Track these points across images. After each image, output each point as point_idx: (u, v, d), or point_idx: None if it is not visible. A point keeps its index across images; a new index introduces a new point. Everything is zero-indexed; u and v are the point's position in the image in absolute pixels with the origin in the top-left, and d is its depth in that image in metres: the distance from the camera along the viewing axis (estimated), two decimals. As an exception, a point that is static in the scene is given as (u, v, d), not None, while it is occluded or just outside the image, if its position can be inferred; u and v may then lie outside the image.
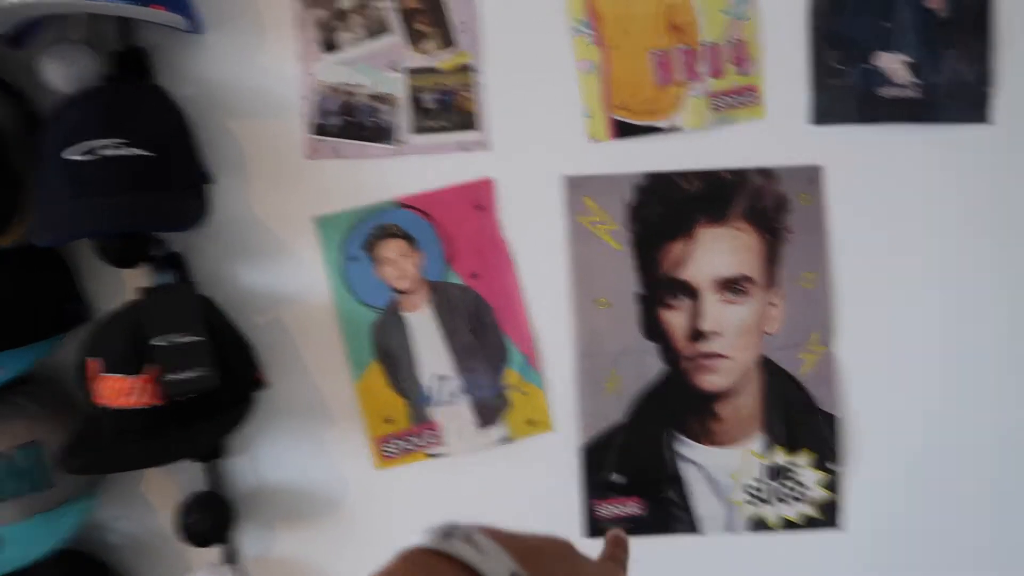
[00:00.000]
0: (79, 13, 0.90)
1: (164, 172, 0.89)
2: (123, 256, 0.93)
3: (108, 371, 0.87)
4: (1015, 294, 1.00)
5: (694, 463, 1.00)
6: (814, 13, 0.98)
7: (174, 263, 0.96)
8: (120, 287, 0.99)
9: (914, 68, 0.98)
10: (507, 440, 1.00)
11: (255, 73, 0.98)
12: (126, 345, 0.87)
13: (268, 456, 1.01)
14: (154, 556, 1.02)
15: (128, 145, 0.87)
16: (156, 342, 0.86)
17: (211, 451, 0.98)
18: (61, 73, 0.92)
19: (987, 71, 0.99)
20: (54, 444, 0.92)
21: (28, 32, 0.91)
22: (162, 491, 1.02)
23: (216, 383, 0.87)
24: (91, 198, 0.85)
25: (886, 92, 0.99)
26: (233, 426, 0.91)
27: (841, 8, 0.98)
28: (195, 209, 0.90)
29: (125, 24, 0.95)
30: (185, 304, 0.89)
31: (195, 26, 0.93)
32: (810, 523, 1.01)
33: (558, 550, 0.50)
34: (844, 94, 0.99)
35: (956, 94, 0.99)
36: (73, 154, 0.85)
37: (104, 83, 0.93)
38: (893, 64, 0.99)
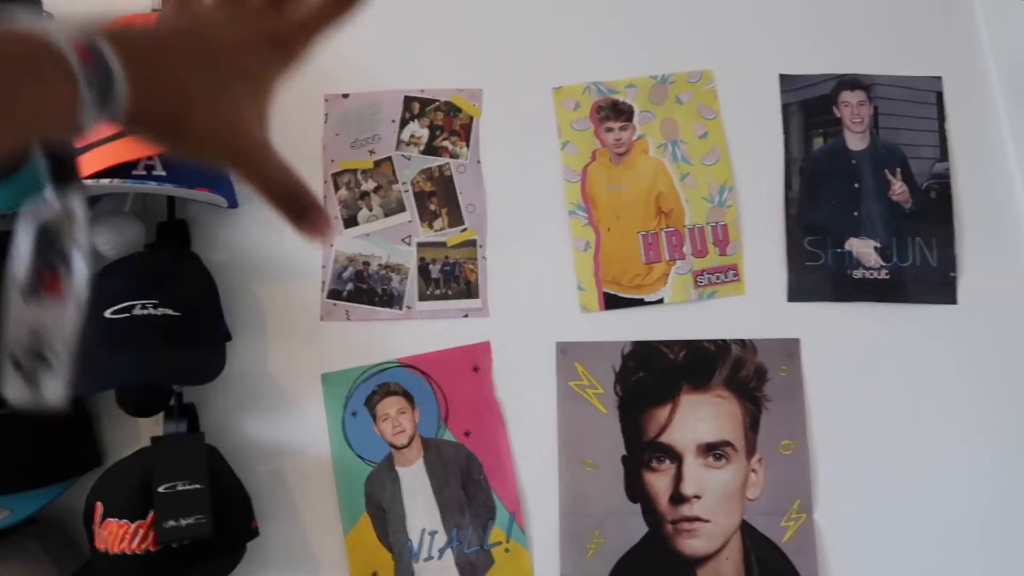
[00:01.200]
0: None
1: (190, 330, 0.98)
2: (141, 406, 1.00)
3: (111, 516, 0.92)
4: (983, 462, 1.02)
5: (678, 632, 1.00)
6: (789, 202, 1.08)
7: (187, 413, 1.03)
8: (135, 434, 1.06)
9: (883, 253, 1.06)
10: (492, 599, 1.02)
11: (281, 244, 1.09)
12: (131, 491, 0.92)
13: (259, 606, 1.03)
14: None
15: (158, 305, 0.96)
16: (159, 489, 0.91)
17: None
18: (112, 241, 1.03)
19: (951, 257, 1.06)
20: (54, 586, 0.95)
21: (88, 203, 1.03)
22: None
23: (210, 531, 0.91)
24: (121, 351, 0.94)
25: (857, 274, 1.06)
26: (223, 574, 0.94)
27: (814, 199, 1.08)
28: (215, 364, 0.98)
29: (171, 199, 1.07)
30: (192, 453, 0.95)
31: (232, 202, 1.05)
32: None
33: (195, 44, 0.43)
34: (818, 274, 1.06)
35: (923, 277, 1.06)
36: (113, 313, 0.95)
37: (144, 251, 1.04)
38: (863, 249, 1.07)
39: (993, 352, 1.04)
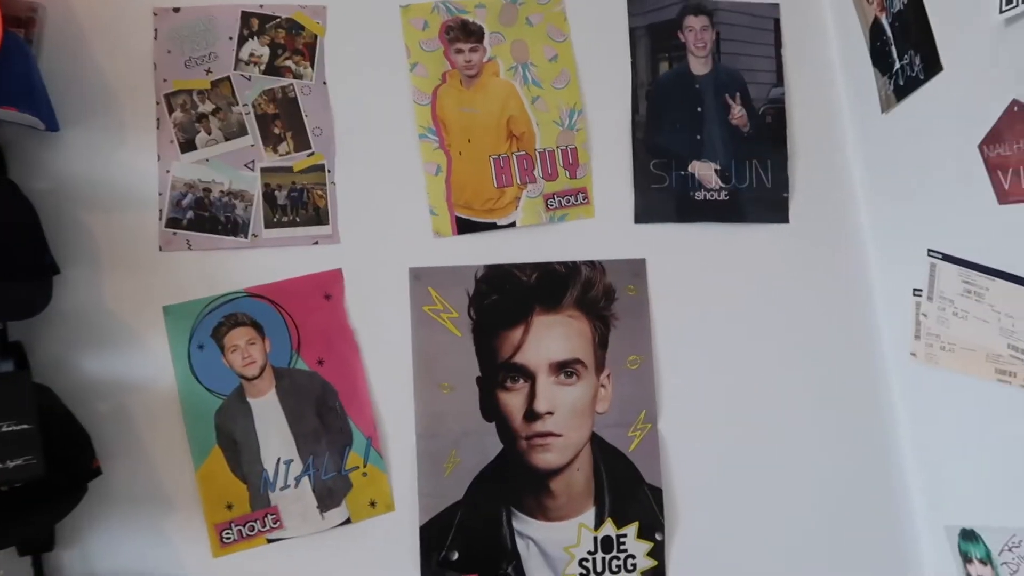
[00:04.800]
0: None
1: (6, 263, 0.91)
2: (-40, 344, 0.93)
3: (-66, 459, 0.86)
4: (814, 371, 1.11)
5: (530, 539, 1.04)
6: (636, 126, 1.10)
7: (12, 352, 0.96)
8: (-40, 375, 0.99)
9: (723, 175, 1.11)
10: (348, 522, 1.03)
11: (113, 169, 1.03)
12: (-45, 433, 0.86)
13: (101, 548, 1.00)
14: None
15: (-32, 236, 0.89)
16: (-15, 430, 0.86)
17: (38, 543, 0.97)
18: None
19: (784, 179, 1.12)
20: None
21: None
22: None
23: (41, 472, 0.87)
24: (-74, 287, 0.86)
25: (699, 195, 1.11)
26: (61, 515, 0.91)
27: (659, 123, 1.11)
28: (35, 299, 0.92)
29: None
30: (18, 392, 0.89)
31: (51, 124, 0.97)
32: (641, 594, 1.06)
33: None
34: (663, 196, 1.10)
35: (758, 198, 1.11)
36: (-89, 244, 0.87)
37: (-49, 175, 0.95)
38: (705, 171, 1.11)
39: (820, 268, 1.12)
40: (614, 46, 1.12)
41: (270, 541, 1.01)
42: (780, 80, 1.14)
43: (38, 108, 0.95)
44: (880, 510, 1.09)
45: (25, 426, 0.87)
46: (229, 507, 1.01)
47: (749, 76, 1.13)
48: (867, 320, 1.11)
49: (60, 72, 1.01)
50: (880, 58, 1.02)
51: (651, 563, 1.06)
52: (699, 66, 1.13)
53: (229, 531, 1.01)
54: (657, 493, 1.06)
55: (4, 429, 0.87)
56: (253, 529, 1.01)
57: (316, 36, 1.07)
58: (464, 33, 1.09)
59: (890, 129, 1.03)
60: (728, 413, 1.08)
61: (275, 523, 1.01)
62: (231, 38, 1.05)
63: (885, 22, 1.00)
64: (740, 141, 1.12)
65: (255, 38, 1.06)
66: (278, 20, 1.06)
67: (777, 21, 1.15)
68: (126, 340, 1.02)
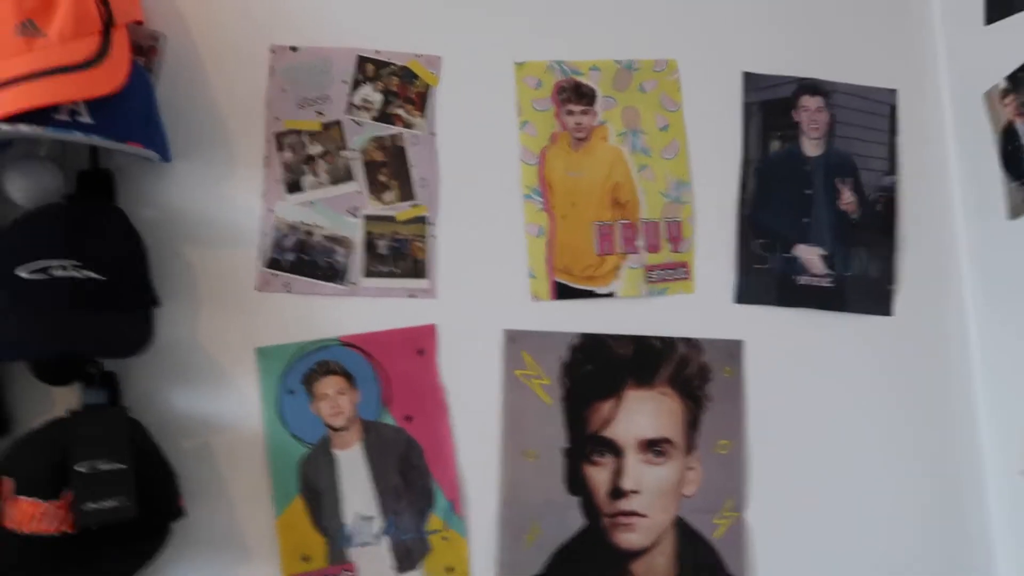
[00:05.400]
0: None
1: (113, 295, 0.90)
2: (58, 374, 0.92)
3: (22, 493, 0.85)
4: (912, 467, 1.08)
5: (607, 622, 1.02)
6: (743, 203, 1.08)
7: (107, 383, 0.95)
8: (47, 401, 0.98)
9: (828, 261, 1.09)
10: (424, 586, 1.01)
11: (218, 204, 1.02)
12: (45, 468, 0.85)
13: (174, 588, 0.98)
14: None
15: (80, 268, 0.88)
16: (78, 468, 0.85)
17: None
18: (25, 188, 0.93)
19: (890, 270, 1.10)
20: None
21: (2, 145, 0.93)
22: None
23: (133, 515, 0.86)
24: (38, 317, 0.85)
25: (802, 280, 1.08)
26: (147, 559, 0.89)
27: (766, 202, 1.09)
28: (141, 334, 0.91)
29: (94, 147, 0.98)
30: (114, 429, 0.88)
31: (165, 155, 0.97)
32: None
33: None
34: (765, 278, 1.08)
35: (863, 288, 1.09)
36: (25, 272, 0.86)
37: (65, 202, 0.95)
38: (810, 256, 1.09)
39: (922, 364, 1.09)
40: (726, 120, 1.10)
41: (342, 598, 0.99)
42: (893, 168, 1.11)
43: (155, 141, 0.95)
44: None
45: (120, 466, 0.87)
46: (306, 559, 0.99)
47: (861, 162, 1.11)
48: (968, 432, 1.08)
49: (174, 102, 1.01)
50: (1012, 163, 1.00)
51: (728, 656, 1.03)
52: (811, 147, 1.11)
53: (303, 584, 0.99)
54: (740, 585, 1.03)
55: (100, 468, 0.86)
56: (327, 584, 0.99)
57: (429, 86, 1.06)
58: (577, 95, 1.08)
59: (1016, 236, 1.00)
60: (818, 509, 1.05)
61: (350, 580, 0.99)
62: (345, 81, 1.05)
63: (1020, 128, 0.97)
64: (848, 227, 1.10)
65: (369, 83, 1.05)
66: (393, 67, 1.06)
67: (893, 108, 1.13)
68: (217, 378, 1.00)
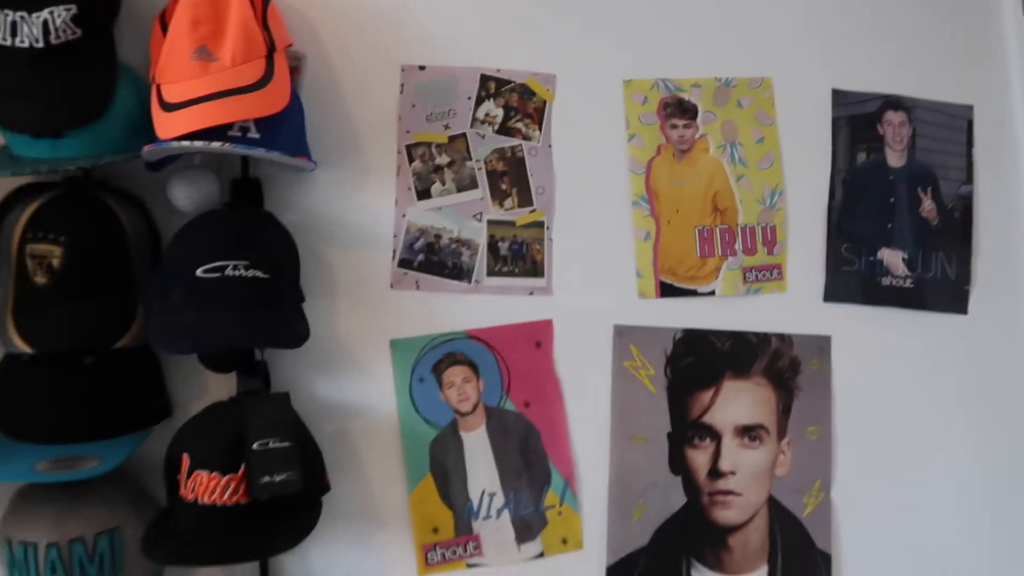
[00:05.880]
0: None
1: (276, 293, 1.00)
2: (224, 363, 1.03)
3: (199, 467, 0.96)
4: (985, 456, 1.18)
5: (707, 590, 1.12)
6: (831, 211, 1.18)
7: (261, 371, 1.06)
8: (202, 387, 1.09)
9: (909, 264, 1.18)
10: (541, 556, 1.11)
11: (354, 209, 1.12)
12: (224, 445, 0.96)
13: (319, 556, 1.09)
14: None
15: (248, 267, 0.98)
16: (255, 445, 0.95)
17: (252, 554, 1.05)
18: (190, 195, 1.04)
19: (966, 272, 1.19)
20: (130, 532, 0.98)
21: (167, 159, 1.03)
22: (214, 584, 1.08)
23: (300, 487, 0.96)
24: (215, 313, 0.95)
25: (886, 281, 1.18)
26: (309, 529, 0.99)
27: (853, 209, 1.18)
28: (302, 328, 1.01)
29: (246, 157, 1.08)
30: (281, 412, 0.99)
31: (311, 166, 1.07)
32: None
33: None
34: (852, 279, 1.17)
35: (940, 288, 1.18)
36: (204, 272, 0.96)
37: (224, 208, 1.05)
38: (893, 259, 1.18)
39: (995, 359, 1.18)
40: (817, 133, 1.19)
41: (469, 566, 1.10)
42: (969, 178, 1.20)
43: (307, 154, 1.05)
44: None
45: (288, 444, 0.97)
46: (435, 531, 1.09)
47: (941, 172, 1.20)
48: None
49: (313, 116, 1.10)
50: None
51: (816, 624, 1.13)
52: (895, 159, 1.20)
53: (434, 553, 1.09)
54: (827, 559, 1.13)
55: (271, 446, 0.96)
56: (455, 553, 1.10)
57: (545, 102, 1.16)
58: (680, 110, 1.17)
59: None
60: (898, 490, 1.15)
61: (475, 550, 1.10)
62: (469, 98, 1.14)
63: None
64: (928, 233, 1.19)
65: (491, 99, 1.15)
66: (512, 84, 1.15)
67: (970, 122, 1.21)
68: (354, 368, 1.11)
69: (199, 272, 0.97)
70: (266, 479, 0.94)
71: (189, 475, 0.96)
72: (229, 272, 0.97)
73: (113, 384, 0.99)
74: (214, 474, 0.95)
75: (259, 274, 0.99)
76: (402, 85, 1.14)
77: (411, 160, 1.13)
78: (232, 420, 0.98)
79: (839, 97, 1.19)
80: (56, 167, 0.96)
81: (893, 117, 1.20)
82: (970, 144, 1.21)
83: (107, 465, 0.94)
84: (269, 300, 1.00)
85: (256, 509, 0.96)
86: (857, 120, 1.19)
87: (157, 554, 0.95)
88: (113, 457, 0.95)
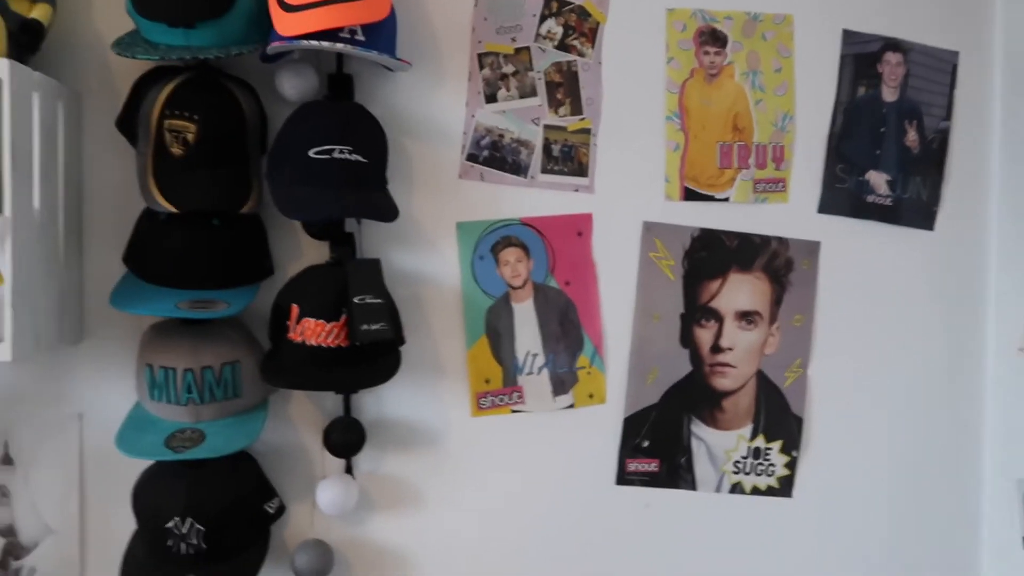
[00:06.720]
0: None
1: (372, 175, 1.19)
2: (323, 232, 1.22)
3: (308, 315, 1.16)
4: (940, 342, 1.44)
5: (702, 440, 1.38)
6: (831, 136, 1.39)
7: (348, 241, 1.26)
8: (296, 252, 1.28)
9: (891, 185, 1.40)
10: (571, 407, 1.36)
11: (430, 108, 1.30)
12: (329, 298, 1.16)
13: (390, 398, 1.32)
14: (290, 463, 1.30)
15: (352, 151, 1.17)
16: (356, 300, 1.16)
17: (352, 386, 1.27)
18: (295, 86, 1.21)
19: (937, 195, 1.42)
20: (247, 365, 1.19)
21: (278, 54, 1.19)
22: (304, 415, 1.30)
23: (391, 336, 1.18)
24: (326, 190, 1.14)
25: (870, 198, 1.40)
26: (393, 372, 1.21)
27: (850, 136, 1.39)
28: (393, 207, 1.21)
29: (340, 55, 1.24)
30: (375, 274, 1.20)
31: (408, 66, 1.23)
32: (771, 491, 1.41)
33: None
34: (843, 195, 1.40)
35: (914, 208, 1.41)
36: (316, 153, 1.15)
37: (325, 99, 1.22)
38: (878, 180, 1.40)
39: (953, 267, 1.43)
40: (826, 68, 1.39)
41: (513, 411, 1.34)
42: (949, 116, 1.42)
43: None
44: (951, 466, 1.44)
45: (380, 300, 1.18)
46: (487, 381, 1.33)
47: (925, 108, 1.41)
48: (980, 316, 1.43)
49: (400, 24, 1.26)
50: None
51: (785, 472, 1.41)
52: (889, 94, 1.40)
53: (485, 399, 1.33)
54: (799, 421, 1.40)
55: (369, 301, 1.17)
56: (502, 401, 1.34)
57: (598, 23, 1.33)
58: (713, 39, 1.36)
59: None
60: (861, 372, 1.41)
61: (519, 399, 1.34)
62: (534, 15, 1.31)
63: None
64: (909, 160, 1.41)
65: (553, 18, 1.32)
66: (572, 5, 1.32)
67: (955, 67, 1.42)
68: (425, 244, 1.31)
69: (311, 153, 1.15)
70: (365, 327, 1.16)
71: (298, 321, 1.17)
72: (336, 155, 1.16)
73: (236, 243, 1.18)
74: (320, 321, 1.16)
75: (360, 158, 1.17)
76: (476, 1, 1.30)
77: (481, 67, 1.30)
78: (334, 279, 1.18)
79: (848, 37, 1.38)
80: (188, 55, 1.11)
81: (891, 58, 1.40)
82: (953, 86, 1.42)
83: (234, 308, 1.14)
84: (368, 181, 1.19)
85: (351, 352, 1.17)
86: (860, 58, 1.39)
87: (276, 380, 1.17)
88: (239, 303, 1.15)
